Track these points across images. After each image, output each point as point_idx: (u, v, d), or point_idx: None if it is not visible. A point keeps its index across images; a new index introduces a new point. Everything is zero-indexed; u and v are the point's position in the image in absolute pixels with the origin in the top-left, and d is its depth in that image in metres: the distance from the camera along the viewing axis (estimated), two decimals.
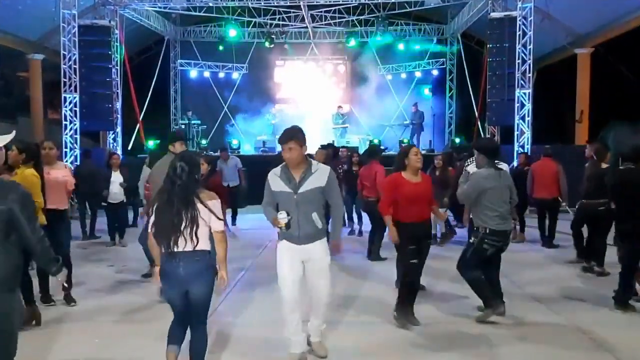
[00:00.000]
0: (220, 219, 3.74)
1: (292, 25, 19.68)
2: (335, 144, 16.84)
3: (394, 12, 18.08)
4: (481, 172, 5.45)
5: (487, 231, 5.32)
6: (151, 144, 15.52)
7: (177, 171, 3.66)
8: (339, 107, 18.98)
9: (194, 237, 3.60)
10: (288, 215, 4.19)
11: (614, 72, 16.65)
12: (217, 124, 20.77)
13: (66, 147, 14.87)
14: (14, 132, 3.31)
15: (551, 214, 9.38)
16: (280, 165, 4.34)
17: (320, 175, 4.27)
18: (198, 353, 3.85)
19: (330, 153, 10.26)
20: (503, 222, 5.35)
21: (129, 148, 17.58)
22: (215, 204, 3.71)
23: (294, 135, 4.24)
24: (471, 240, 5.52)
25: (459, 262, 5.58)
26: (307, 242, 4.28)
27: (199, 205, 3.64)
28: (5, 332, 2.91)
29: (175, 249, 3.62)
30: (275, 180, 4.31)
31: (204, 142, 17.75)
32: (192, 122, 18.65)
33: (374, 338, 5.06)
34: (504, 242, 5.43)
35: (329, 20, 19.17)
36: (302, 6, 16.80)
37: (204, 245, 3.68)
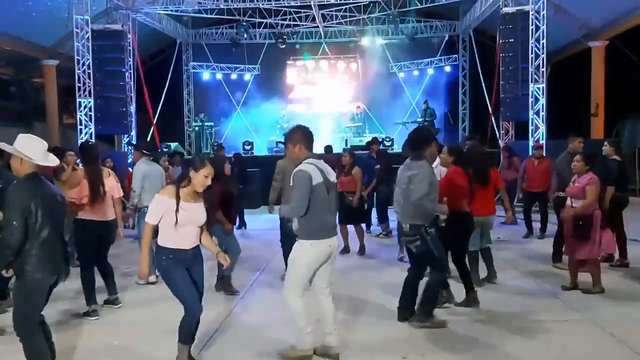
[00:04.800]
0: None
1: (303, 25, 19.68)
2: (349, 143, 16.86)
3: (405, 9, 18.04)
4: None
5: None
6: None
7: None
8: (357, 107, 19.01)
9: None
10: None
11: (629, 65, 16.47)
12: (230, 126, 20.87)
13: None
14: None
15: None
16: None
17: None
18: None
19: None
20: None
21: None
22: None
23: (285, 135, 4.51)
24: None
25: None
26: None
27: None
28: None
29: None
30: None
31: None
32: (206, 123, 18.77)
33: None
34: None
35: (339, 19, 19.12)
36: (312, 6, 16.79)
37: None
